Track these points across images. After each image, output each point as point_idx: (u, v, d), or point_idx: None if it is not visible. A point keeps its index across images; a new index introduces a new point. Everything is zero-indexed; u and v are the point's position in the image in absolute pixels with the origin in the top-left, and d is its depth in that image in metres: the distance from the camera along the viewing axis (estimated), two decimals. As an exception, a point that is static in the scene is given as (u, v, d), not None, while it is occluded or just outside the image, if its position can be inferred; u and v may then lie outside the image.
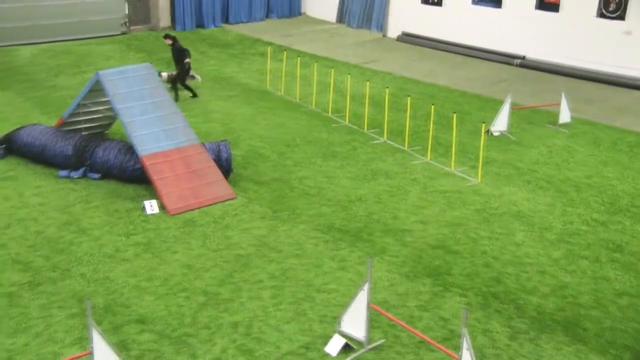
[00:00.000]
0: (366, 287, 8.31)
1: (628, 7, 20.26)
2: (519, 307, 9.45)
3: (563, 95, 16.61)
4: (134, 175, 12.74)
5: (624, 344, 8.75)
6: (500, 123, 16.07)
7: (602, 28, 20.79)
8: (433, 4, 25.08)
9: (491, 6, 23.48)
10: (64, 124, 13.97)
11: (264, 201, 12.42)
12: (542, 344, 8.69)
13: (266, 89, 19.34)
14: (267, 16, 29.15)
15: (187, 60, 17.52)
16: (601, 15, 20.83)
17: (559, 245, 11.17)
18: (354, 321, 8.54)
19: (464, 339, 7.39)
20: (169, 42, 17.68)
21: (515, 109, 16.74)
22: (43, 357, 8.15)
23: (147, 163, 12.29)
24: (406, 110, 15.36)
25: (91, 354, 7.31)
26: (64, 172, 13.09)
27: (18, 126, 14.51)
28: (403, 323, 8.62)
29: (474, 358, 7.45)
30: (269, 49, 20.86)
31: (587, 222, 11.96)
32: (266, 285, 9.80)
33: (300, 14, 29.93)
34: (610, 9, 20.69)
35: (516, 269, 10.43)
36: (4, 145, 13.91)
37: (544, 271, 10.39)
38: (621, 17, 20.46)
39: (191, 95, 18.12)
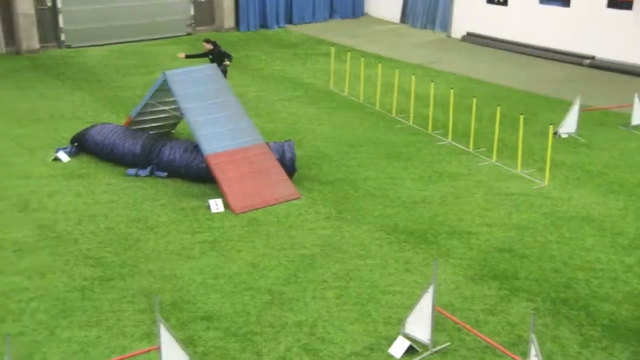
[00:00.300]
0: (431, 289, 8.22)
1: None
2: (590, 314, 9.21)
3: (636, 96, 16.14)
4: (199, 175, 12.91)
5: (702, 355, 8.45)
6: (569, 125, 15.71)
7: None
8: (499, 3, 24.73)
9: (559, 5, 23.00)
10: (131, 123, 14.27)
11: (328, 201, 12.43)
12: (615, 353, 8.43)
13: (330, 89, 19.37)
14: (330, 17, 29.22)
15: (227, 62, 16.97)
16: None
17: (632, 251, 10.84)
18: (419, 323, 8.45)
19: (532, 345, 7.24)
20: (210, 46, 17.04)
21: (585, 110, 16.34)
22: (113, 350, 8.33)
23: (212, 162, 12.44)
24: (471, 111, 15.15)
25: (159, 349, 7.42)
26: (132, 171, 13.36)
27: (89, 125, 14.90)
28: (469, 327, 8.49)
29: (543, 364, 7.29)
30: (332, 49, 20.89)
31: (661, 227, 11.60)
32: (330, 285, 9.80)
33: (363, 14, 29.89)
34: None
35: (586, 275, 10.16)
36: (76, 144, 14.29)
37: (617, 277, 10.09)
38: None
39: None
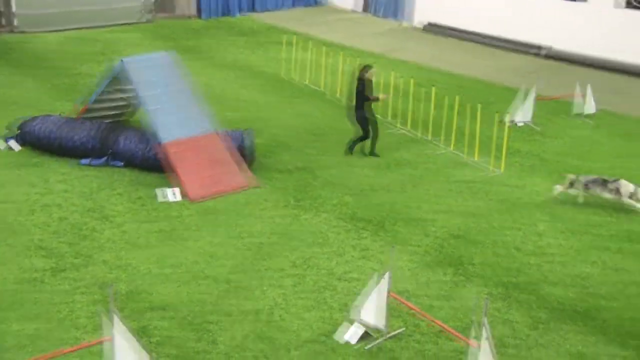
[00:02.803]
0: (387, 275, 8.31)
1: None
2: (540, 298, 9.40)
3: (589, 86, 16.44)
4: (156, 164, 12.83)
5: (645, 336, 8.69)
6: (525, 114, 15.95)
7: (630, 18, 20.51)
8: (459, -7, 24.89)
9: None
10: (87, 111, 14.08)
11: (287, 190, 12.46)
12: (562, 334, 8.65)
13: (292, 78, 19.36)
14: (293, 5, 29.16)
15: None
16: (629, 5, 20.56)
17: (581, 236, 11.08)
18: (375, 310, 8.55)
19: (484, 328, 7.37)
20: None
21: (540, 99, 16.58)
22: (65, 342, 8.25)
23: (169, 151, 12.38)
24: (431, 100, 15.29)
25: (112, 340, 7.39)
26: (85, 160, 13.22)
27: (40, 114, 14.48)
28: (423, 312, 8.62)
29: (493, 347, 7.43)
30: (294, 37, 20.86)
31: (611, 213, 11.84)
32: (288, 274, 9.85)
33: (326, 3, 29.87)
34: (638, -2, 20.44)
35: (538, 259, 10.37)
36: (17, 135, 13.87)
37: (566, 262, 10.32)
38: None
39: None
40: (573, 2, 21.75)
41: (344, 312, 8.94)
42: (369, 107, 14.05)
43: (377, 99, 14.10)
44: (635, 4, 20.44)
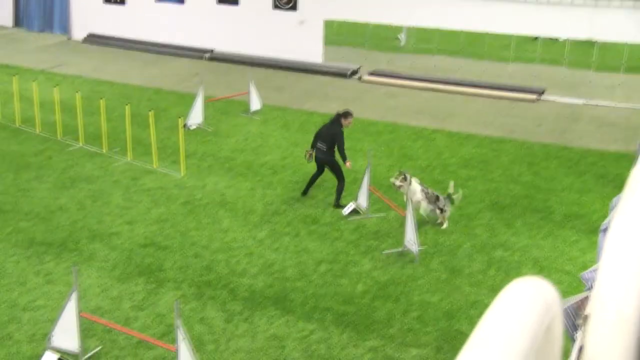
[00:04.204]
0: (74, 296, 8.03)
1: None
2: (232, 291, 9.80)
3: (251, 84, 17.39)
4: None
5: (326, 307, 9.50)
6: (196, 116, 16.38)
7: (279, 18, 22.17)
8: (116, 3, 24.62)
9: (174, 2, 23.68)
10: None
11: (-49, 225, 11.37)
12: (255, 321, 9.12)
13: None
14: None
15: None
16: (276, 7, 22.20)
17: (262, 226, 11.75)
18: (66, 334, 8.21)
19: (178, 331, 7.50)
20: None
21: (208, 101, 17.15)
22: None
23: None
24: (100, 113, 14.97)
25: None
26: None
27: None
28: (118, 326, 8.49)
29: (191, 347, 7.60)
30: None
31: (286, 201, 12.71)
32: (-37, 315, 9.02)
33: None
34: (283, 0, 22.10)
35: (226, 255, 10.77)
36: None
37: (252, 252, 10.87)
38: (294, 8, 21.98)
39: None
40: (226, 5, 22.77)
41: (34, 344, 8.45)
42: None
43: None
44: (280, 5, 22.04)
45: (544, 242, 11.47)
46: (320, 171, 12.71)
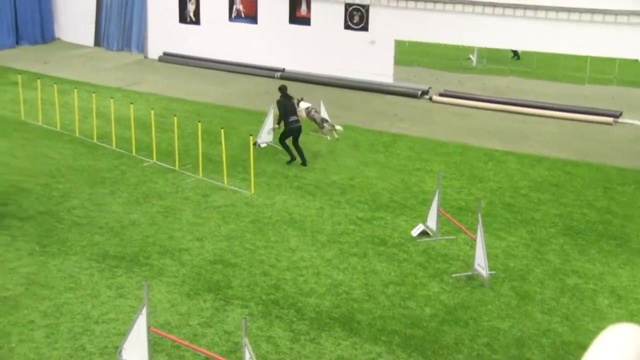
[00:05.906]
0: (144, 311, 8.15)
1: (369, 20, 21.92)
2: (299, 310, 9.78)
3: (322, 103, 17.47)
4: None
5: (393, 330, 9.38)
6: (266, 135, 16.53)
7: (350, 38, 22.27)
8: (191, 22, 25.19)
9: (247, 22, 24.08)
10: None
11: (30, 237, 11.72)
12: (322, 342, 9.07)
13: (22, 119, 18.27)
14: (17, 43, 27.53)
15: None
16: (347, 27, 22.32)
17: (330, 245, 11.72)
18: (136, 348, 8.34)
19: (246, 349, 7.52)
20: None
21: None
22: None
23: None
24: (173, 130, 15.28)
25: None
26: None
27: None
28: (186, 342, 8.57)
29: (257, 365, 7.60)
30: (19, 77, 19.67)
31: (354, 221, 12.67)
32: (38, 325, 9.25)
33: (54, 39, 28.62)
34: (355, 21, 22.19)
35: (293, 274, 10.78)
36: None
37: (319, 272, 10.84)
38: (365, 29, 22.05)
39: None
40: (301, 26, 23.01)
41: (105, 356, 8.61)
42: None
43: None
44: (352, 25, 22.15)
45: (621, 271, 11.09)
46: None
